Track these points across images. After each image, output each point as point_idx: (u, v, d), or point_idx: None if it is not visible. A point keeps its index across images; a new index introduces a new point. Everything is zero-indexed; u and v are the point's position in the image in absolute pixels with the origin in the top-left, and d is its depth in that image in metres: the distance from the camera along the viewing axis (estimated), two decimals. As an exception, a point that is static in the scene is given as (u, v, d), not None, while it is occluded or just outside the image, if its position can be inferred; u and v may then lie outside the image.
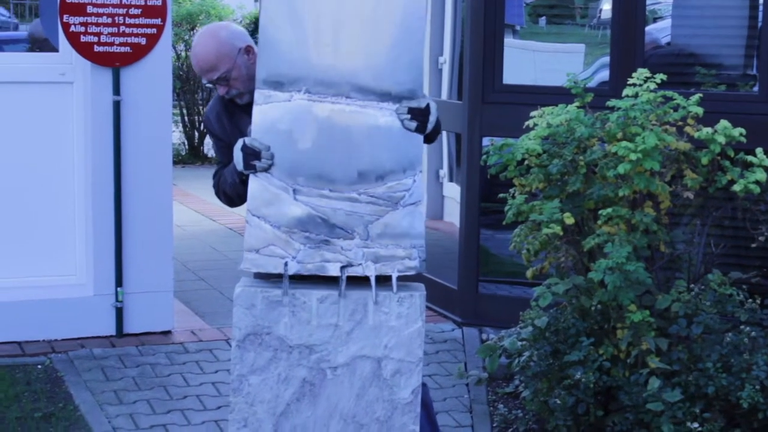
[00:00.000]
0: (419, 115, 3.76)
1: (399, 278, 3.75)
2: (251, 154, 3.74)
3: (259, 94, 3.76)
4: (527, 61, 7.08)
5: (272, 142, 3.74)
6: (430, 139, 3.91)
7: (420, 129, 3.77)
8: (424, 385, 3.92)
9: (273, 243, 3.73)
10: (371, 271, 3.73)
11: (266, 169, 3.74)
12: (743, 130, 4.72)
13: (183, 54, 13.26)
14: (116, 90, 6.06)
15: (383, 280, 3.74)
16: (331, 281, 3.75)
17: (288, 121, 3.75)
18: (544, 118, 4.97)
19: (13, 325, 6.07)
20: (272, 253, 3.73)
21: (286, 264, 3.72)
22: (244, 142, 3.76)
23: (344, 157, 3.75)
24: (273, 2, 3.76)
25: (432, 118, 3.79)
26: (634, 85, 4.87)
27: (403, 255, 3.75)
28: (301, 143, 3.75)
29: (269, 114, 3.75)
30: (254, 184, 3.76)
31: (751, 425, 4.56)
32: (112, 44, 6.00)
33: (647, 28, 6.25)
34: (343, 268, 3.73)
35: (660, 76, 4.86)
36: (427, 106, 3.77)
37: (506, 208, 4.96)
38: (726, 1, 6.57)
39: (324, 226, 3.74)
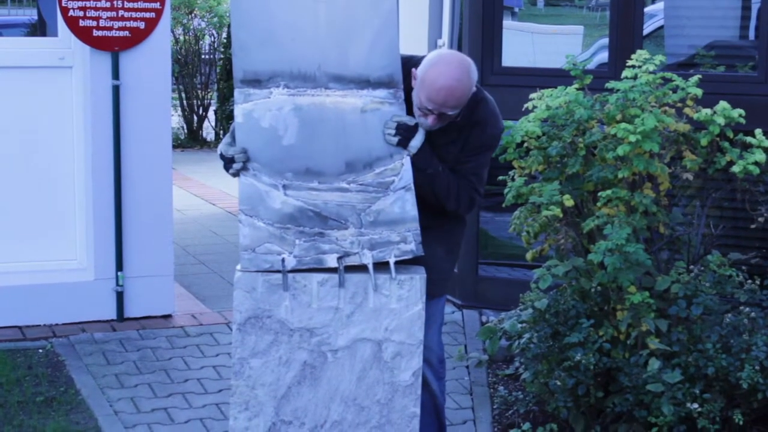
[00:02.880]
0: (404, 131, 3.74)
1: (399, 262, 3.75)
2: (227, 162, 3.74)
3: (238, 93, 3.73)
4: (526, 44, 7.07)
5: (256, 140, 3.72)
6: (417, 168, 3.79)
7: (401, 143, 3.75)
8: (426, 385, 3.93)
9: (268, 241, 3.72)
10: (368, 259, 3.73)
11: (245, 168, 3.72)
12: (742, 111, 4.71)
13: (181, 38, 13.13)
14: (115, 74, 6.05)
15: (383, 265, 3.75)
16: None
17: (270, 118, 3.72)
18: (543, 101, 4.96)
19: (14, 309, 6.08)
20: (268, 251, 3.72)
21: (283, 261, 3.72)
22: (220, 150, 3.77)
23: (330, 149, 3.73)
24: (242, 2, 3.73)
25: (418, 136, 3.76)
26: (633, 66, 4.86)
27: (398, 240, 3.75)
28: (285, 139, 3.73)
29: (251, 113, 3.72)
30: (243, 183, 3.75)
31: (751, 405, 4.57)
32: (111, 28, 5.99)
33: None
34: (339, 258, 3.73)
35: (659, 57, 4.86)
36: (416, 125, 3.76)
37: (506, 190, 4.95)
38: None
39: (317, 219, 3.73)
